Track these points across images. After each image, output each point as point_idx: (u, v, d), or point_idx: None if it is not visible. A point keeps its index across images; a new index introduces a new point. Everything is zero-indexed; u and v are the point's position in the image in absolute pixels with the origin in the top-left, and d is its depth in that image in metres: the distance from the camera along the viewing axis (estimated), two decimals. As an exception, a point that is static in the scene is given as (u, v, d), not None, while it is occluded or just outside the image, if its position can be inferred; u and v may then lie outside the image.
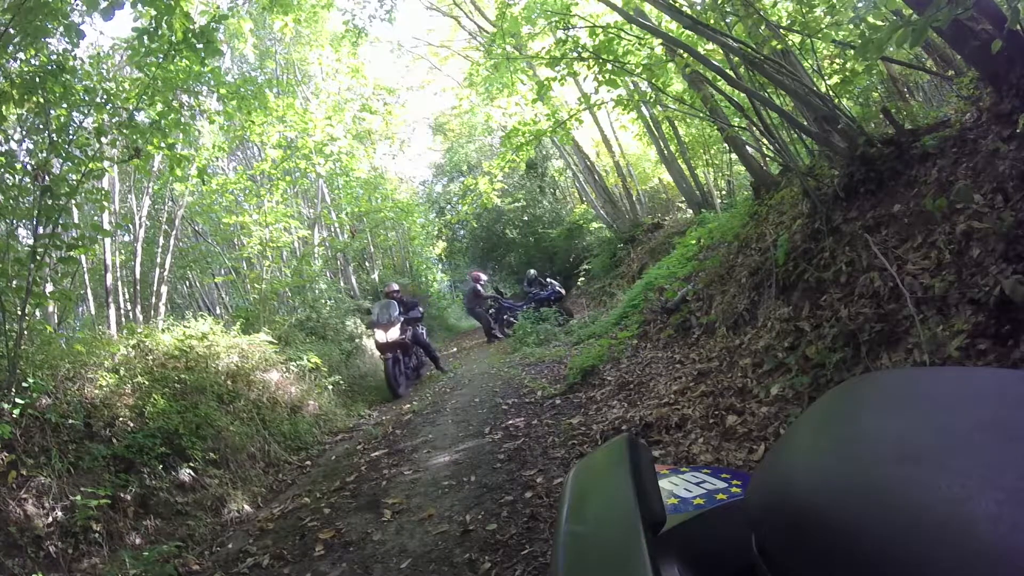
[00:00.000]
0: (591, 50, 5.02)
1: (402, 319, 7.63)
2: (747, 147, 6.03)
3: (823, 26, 3.94)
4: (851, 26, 3.54)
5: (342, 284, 11.94)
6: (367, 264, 14.64)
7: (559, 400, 4.93)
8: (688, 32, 4.60)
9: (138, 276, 7.38)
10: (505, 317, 11.28)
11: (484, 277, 12.15)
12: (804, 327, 3.24)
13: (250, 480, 4.25)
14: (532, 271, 12.35)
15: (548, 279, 11.65)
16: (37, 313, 4.82)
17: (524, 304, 11.30)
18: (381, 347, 7.49)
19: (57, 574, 2.78)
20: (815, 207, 3.57)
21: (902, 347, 2.51)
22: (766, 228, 4.47)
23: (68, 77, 3.94)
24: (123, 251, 8.53)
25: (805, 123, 4.03)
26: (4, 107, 3.73)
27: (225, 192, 8.72)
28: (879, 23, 2.89)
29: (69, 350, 4.00)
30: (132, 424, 3.67)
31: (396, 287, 8.59)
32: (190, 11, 4.25)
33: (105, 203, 6.08)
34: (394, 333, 7.41)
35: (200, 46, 4.17)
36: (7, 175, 3.90)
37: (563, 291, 11.42)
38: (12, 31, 3.66)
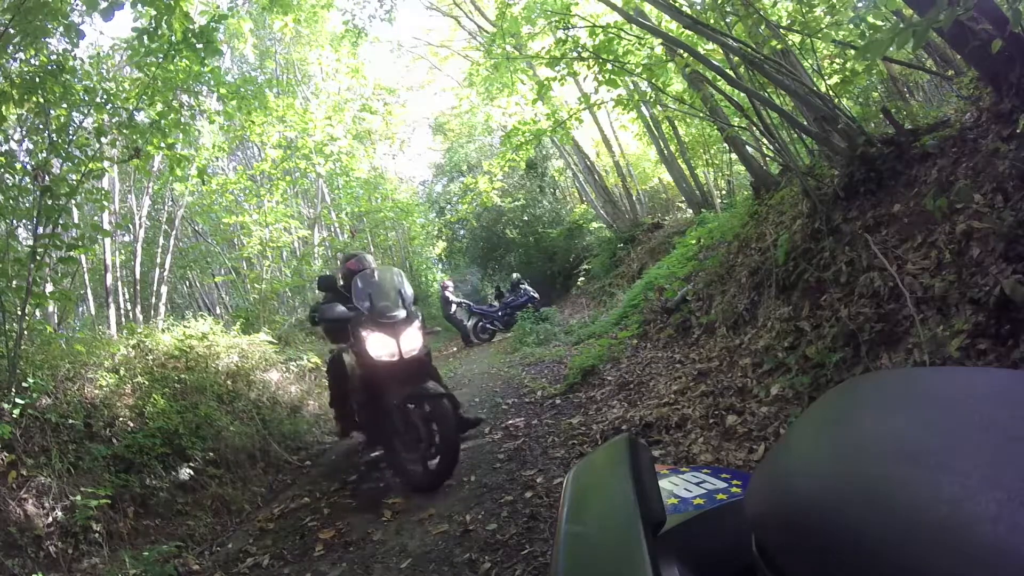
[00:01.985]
0: (591, 50, 5.03)
1: (420, 316, 3.72)
2: (747, 147, 6.03)
3: (823, 26, 3.95)
4: (851, 26, 3.54)
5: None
6: (367, 264, 14.62)
7: (559, 400, 4.92)
8: (688, 32, 4.60)
9: (138, 276, 7.39)
10: (480, 324, 11.34)
11: (452, 285, 12.56)
12: (804, 327, 3.24)
13: (250, 480, 4.25)
14: (516, 275, 12.63)
15: (521, 286, 11.91)
16: (37, 313, 4.83)
17: (499, 310, 11.56)
18: (386, 371, 3.38)
19: (57, 574, 2.77)
20: (815, 207, 3.57)
21: (902, 347, 2.51)
22: (766, 228, 4.47)
23: (68, 77, 3.95)
24: (123, 251, 8.55)
25: (805, 123, 4.03)
26: (4, 107, 3.74)
27: (225, 192, 8.74)
28: (879, 23, 2.89)
29: (69, 350, 4.00)
30: (132, 424, 3.67)
31: (371, 259, 4.54)
32: (190, 11, 4.25)
33: (105, 203, 6.09)
34: (411, 340, 3.46)
35: (200, 46, 4.18)
36: (7, 175, 3.91)
37: (536, 296, 11.93)
38: (12, 31, 3.66)
